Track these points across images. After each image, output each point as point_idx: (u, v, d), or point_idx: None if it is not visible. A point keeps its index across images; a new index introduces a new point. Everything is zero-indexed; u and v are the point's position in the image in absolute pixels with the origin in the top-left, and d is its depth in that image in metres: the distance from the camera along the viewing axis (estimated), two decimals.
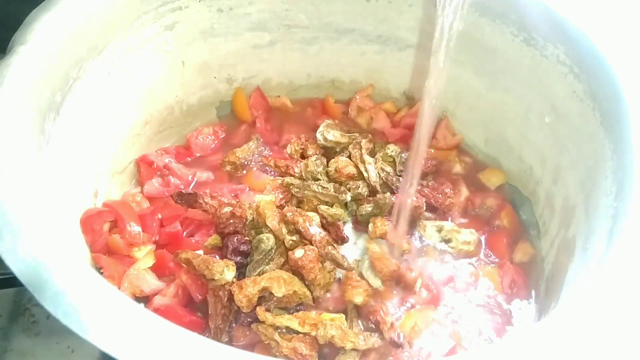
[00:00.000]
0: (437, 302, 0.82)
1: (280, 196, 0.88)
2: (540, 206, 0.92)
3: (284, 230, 0.80)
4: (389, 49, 1.03)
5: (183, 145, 1.02)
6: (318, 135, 0.98)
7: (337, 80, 1.11)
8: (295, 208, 0.84)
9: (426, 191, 0.91)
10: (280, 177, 0.92)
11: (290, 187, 0.88)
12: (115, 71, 0.84)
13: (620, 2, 0.81)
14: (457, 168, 1.01)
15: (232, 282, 0.75)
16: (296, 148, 0.99)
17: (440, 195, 0.91)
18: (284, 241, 0.80)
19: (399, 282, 0.80)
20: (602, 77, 0.73)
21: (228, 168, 0.96)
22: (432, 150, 1.02)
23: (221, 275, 0.74)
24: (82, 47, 0.75)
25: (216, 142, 1.03)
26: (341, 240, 0.83)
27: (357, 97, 1.09)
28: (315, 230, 0.80)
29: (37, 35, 0.68)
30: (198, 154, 1.01)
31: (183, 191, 0.85)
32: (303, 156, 0.98)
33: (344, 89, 1.11)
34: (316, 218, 0.83)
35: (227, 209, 0.82)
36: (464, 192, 0.97)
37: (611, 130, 0.71)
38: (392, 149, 0.97)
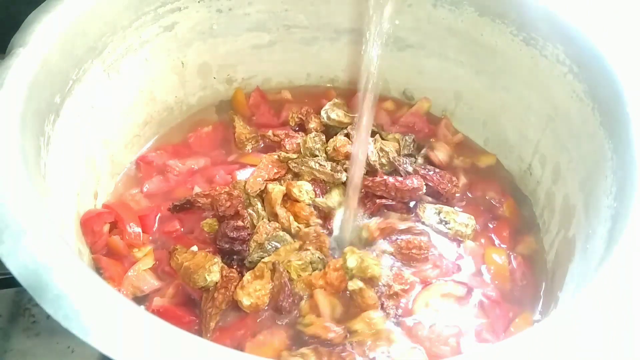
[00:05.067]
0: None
1: (275, 170, 0.89)
2: (540, 206, 0.92)
3: (291, 218, 0.83)
4: (388, 48, 1.03)
5: (183, 145, 1.02)
6: (322, 113, 0.99)
7: (336, 80, 1.11)
8: (290, 180, 0.88)
9: (434, 177, 0.90)
10: (277, 153, 0.93)
11: (289, 161, 0.90)
12: (114, 72, 0.84)
13: (620, 2, 0.81)
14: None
15: (224, 277, 0.75)
16: (294, 117, 1.00)
17: (448, 184, 0.90)
18: (289, 228, 0.82)
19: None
20: (602, 77, 0.73)
21: (249, 147, 0.98)
22: None
23: (205, 282, 0.75)
24: (81, 48, 0.75)
25: (216, 142, 1.02)
26: (330, 232, 0.84)
27: (357, 96, 1.09)
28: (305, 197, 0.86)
29: (37, 36, 0.68)
30: (198, 154, 1.01)
31: (177, 203, 0.84)
32: (303, 127, 0.99)
33: (343, 89, 1.11)
34: (308, 185, 0.86)
35: (223, 191, 0.83)
36: (462, 180, 0.96)
37: (611, 130, 0.71)
38: (396, 133, 1.00)
